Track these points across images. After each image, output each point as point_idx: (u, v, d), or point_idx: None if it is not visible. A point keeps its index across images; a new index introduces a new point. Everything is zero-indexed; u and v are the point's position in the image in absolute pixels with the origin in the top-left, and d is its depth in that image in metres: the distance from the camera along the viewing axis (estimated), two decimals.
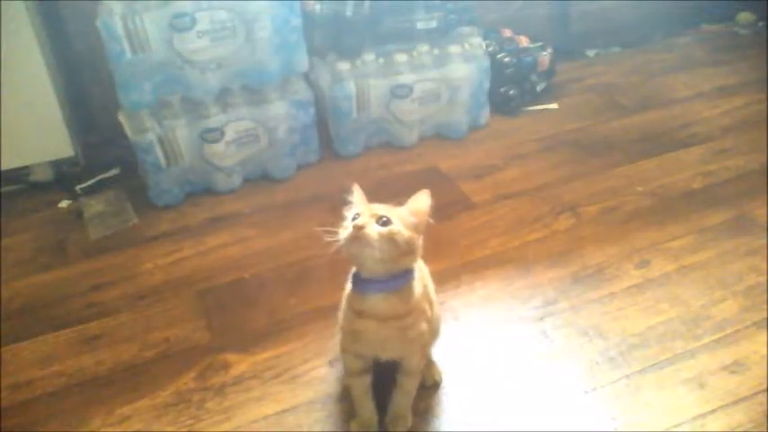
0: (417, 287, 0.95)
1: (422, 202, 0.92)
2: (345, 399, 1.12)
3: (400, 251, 0.88)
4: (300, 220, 1.60)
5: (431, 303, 1.02)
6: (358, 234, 0.85)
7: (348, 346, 1.00)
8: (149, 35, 1.49)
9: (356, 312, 0.94)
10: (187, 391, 1.18)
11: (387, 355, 0.99)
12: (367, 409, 1.05)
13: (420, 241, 0.92)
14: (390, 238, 0.86)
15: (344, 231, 0.87)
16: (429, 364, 1.16)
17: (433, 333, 1.11)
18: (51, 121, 1.72)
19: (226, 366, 1.22)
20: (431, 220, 0.92)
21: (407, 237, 0.88)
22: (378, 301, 0.92)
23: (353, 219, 0.88)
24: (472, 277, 1.39)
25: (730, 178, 1.67)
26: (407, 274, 0.93)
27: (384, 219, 0.87)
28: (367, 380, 1.04)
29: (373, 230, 0.86)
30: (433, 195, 0.93)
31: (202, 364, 1.23)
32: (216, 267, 1.48)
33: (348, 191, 0.94)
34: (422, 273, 1.02)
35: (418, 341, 0.97)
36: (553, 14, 2.35)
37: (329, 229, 0.88)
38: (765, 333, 1.21)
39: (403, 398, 1.05)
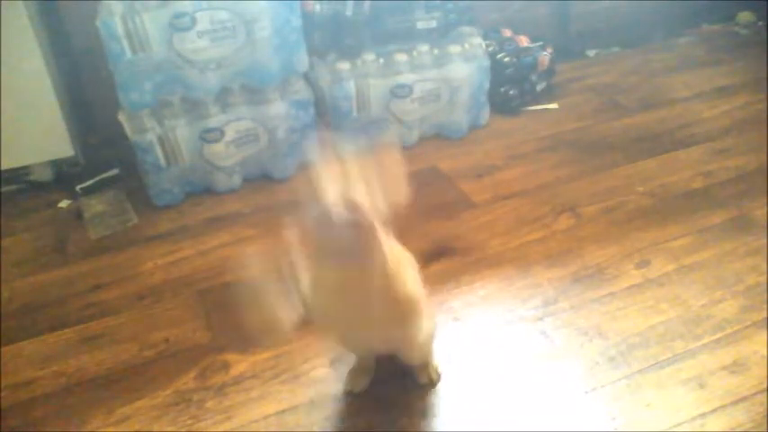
0: None
1: None
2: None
3: None
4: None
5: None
6: None
7: None
8: (149, 35, 1.49)
9: None
10: (187, 391, 1.18)
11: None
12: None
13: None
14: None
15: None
16: (427, 363, 1.15)
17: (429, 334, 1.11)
18: (51, 121, 1.72)
19: (226, 366, 1.22)
20: None
21: None
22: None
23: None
24: (472, 277, 1.39)
25: (730, 178, 1.67)
26: None
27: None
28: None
29: None
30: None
31: (202, 364, 1.23)
32: (216, 267, 1.48)
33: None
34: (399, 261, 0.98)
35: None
36: (553, 14, 2.35)
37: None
38: (765, 333, 1.21)
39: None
